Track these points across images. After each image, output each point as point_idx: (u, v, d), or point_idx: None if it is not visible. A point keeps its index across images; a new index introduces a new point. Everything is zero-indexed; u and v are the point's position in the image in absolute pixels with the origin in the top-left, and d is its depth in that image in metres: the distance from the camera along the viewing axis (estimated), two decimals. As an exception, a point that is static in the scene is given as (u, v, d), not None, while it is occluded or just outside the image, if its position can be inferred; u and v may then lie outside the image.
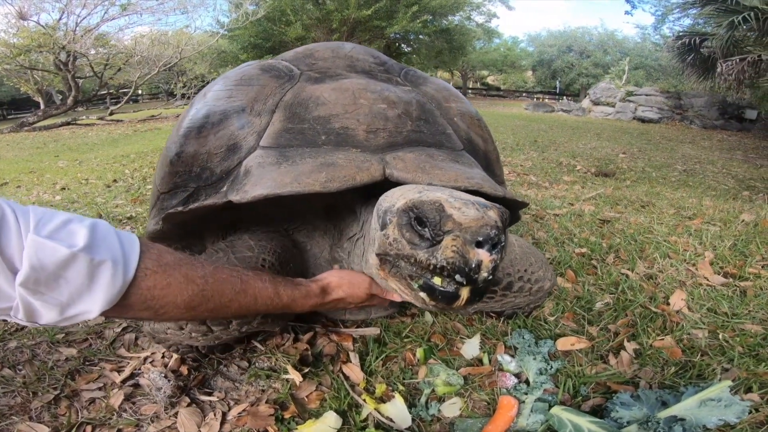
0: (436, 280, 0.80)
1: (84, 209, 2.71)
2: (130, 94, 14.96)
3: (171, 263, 0.76)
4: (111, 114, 13.72)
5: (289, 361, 1.19)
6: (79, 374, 1.16)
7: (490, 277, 0.78)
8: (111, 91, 16.39)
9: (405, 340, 1.31)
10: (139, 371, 1.17)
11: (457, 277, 0.77)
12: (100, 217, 2.47)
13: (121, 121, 13.02)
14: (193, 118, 1.27)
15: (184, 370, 1.16)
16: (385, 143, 1.17)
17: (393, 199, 0.91)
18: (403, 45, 19.42)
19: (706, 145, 9.53)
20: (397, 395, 1.08)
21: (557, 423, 0.99)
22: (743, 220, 2.49)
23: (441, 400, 1.10)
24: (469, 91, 33.57)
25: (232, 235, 1.24)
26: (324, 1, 13.98)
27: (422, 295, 0.83)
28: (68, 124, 12.40)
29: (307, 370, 1.16)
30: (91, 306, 0.67)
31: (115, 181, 3.80)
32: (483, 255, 0.76)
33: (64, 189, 3.55)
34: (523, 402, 1.07)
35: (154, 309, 0.74)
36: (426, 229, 0.80)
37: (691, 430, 0.97)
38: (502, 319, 1.41)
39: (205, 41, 14.62)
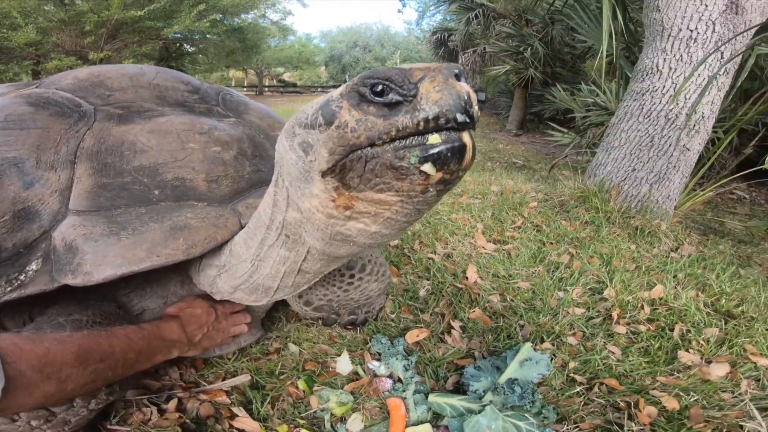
0: (434, 139, 0.68)
1: None
2: None
3: (33, 338, 0.78)
4: None
5: (169, 433, 1.08)
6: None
7: (478, 113, 0.71)
8: None
9: (281, 377, 1.32)
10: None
11: (458, 116, 0.66)
12: None
13: None
14: None
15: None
16: (230, 191, 1.13)
17: (317, 102, 0.78)
18: (185, 45, 17.59)
19: (458, 125, 11.89)
20: (302, 430, 1.11)
21: (438, 408, 1.15)
22: (494, 191, 3.15)
23: (343, 419, 1.16)
24: (266, 89, 32.93)
25: (48, 307, 1.06)
26: (72, 2, 11.35)
27: (426, 167, 0.69)
28: None
29: (197, 437, 1.07)
30: None
31: None
32: (466, 86, 0.69)
33: None
34: (405, 398, 1.20)
35: (55, 376, 0.75)
36: (391, 94, 0.69)
37: (525, 386, 1.15)
38: (358, 329, 1.53)
39: None
